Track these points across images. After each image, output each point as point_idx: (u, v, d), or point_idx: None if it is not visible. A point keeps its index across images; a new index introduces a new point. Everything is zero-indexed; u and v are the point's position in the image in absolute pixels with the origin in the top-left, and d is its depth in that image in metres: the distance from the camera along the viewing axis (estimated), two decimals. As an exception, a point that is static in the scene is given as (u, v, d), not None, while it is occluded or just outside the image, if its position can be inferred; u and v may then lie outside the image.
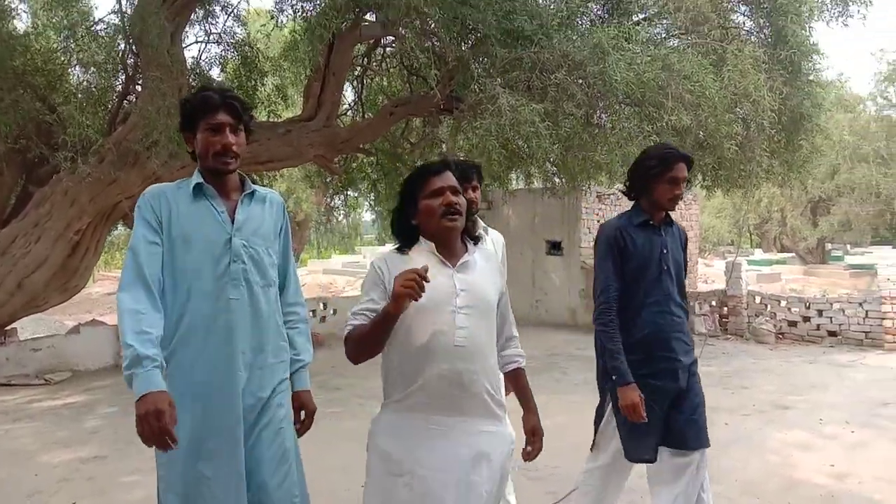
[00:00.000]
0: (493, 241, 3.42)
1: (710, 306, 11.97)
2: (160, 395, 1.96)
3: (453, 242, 2.21)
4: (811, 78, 8.35)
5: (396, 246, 2.25)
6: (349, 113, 11.51)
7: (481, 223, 3.03)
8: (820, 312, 10.98)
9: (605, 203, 13.72)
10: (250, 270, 2.27)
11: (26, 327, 10.73)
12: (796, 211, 28.77)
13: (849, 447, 5.42)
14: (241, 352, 2.23)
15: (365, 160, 11.45)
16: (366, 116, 10.76)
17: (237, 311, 2.23)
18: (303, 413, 2.46)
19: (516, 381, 2.39)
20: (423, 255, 2.16)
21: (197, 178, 2.30)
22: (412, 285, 1.85)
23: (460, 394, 2.09)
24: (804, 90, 8.08)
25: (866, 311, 10.49)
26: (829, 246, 30.69)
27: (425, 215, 2.17)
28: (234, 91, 2.41)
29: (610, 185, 11.41)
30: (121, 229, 11.96)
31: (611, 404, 2.99)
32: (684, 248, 3.15)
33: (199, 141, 2.27)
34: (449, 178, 2.18)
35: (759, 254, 30.29)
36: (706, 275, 23.19)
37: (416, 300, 1.89)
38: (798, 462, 5.01)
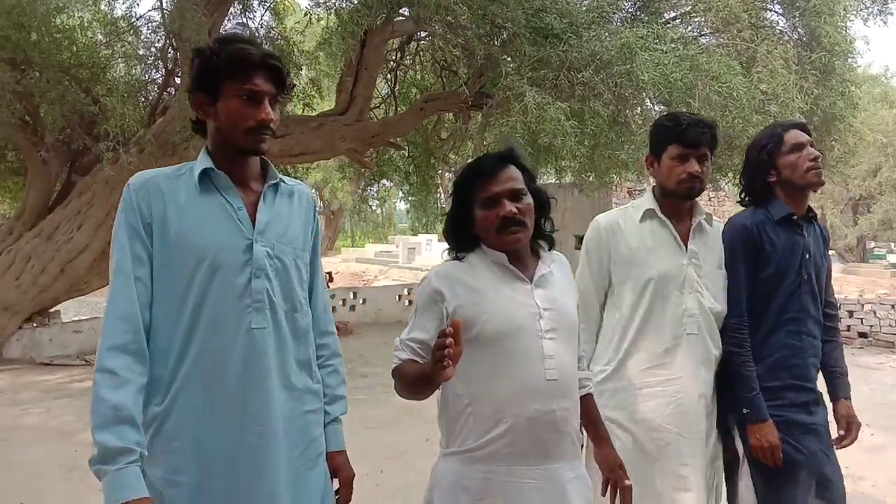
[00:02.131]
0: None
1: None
2: None
3: (523, 253, 1.84)
4: (846, 77, 8.26)
5: (452, 253, 1.87)
6: (382, 106, 11.70)
7: (701, 210, 2.43)
8: (851, 314, 10.87)
9: (636, 198, 13.66)
10: (275, 289, 1.70)
11: (69, 308, 11.16)
12: (836, 209, 28.26)
13: (866, 450, 5.42)
14: (272, 409, 1.67)
15: (396, 153, 11.63)
16: (399, 110, 10.93)
17: (262, 344, 1.66)
18: (336, 481, 1.86)
19: (587, 408, 1.97)
20: (488, 267, 1.81)
21: (205, 161, 1.68)
22: (441, 356, 1.45)
23: (551, 436, 1.74)
24: (837, 90, 8.01)
25: (898, 314, 10.37)
26: (871, 244, 30.05)
27: (482, 229, 1.80)
28: (272, 51, 1.77)
29: (639, 182, 11.40)
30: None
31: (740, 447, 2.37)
32: (827, 249, 2.58)
33: (224, 110, 1.65)
34: (506, 180, 1.77)
35: (798, 251, 29.80)
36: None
37: (450, 367, 1.47)
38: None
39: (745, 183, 2.54)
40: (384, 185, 14.87)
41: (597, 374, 2.36)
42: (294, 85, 1.98)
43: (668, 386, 2.29)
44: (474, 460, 1.73)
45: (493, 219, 1.76)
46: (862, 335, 10.72)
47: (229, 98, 1.64)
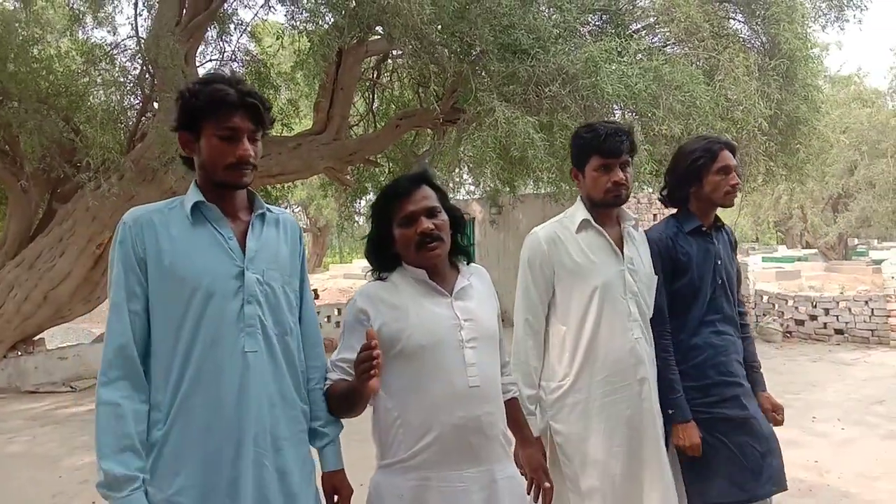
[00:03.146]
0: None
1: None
2: None
3: (442, 268, 1.93)
4: (808, 82, 8.49)
5: (376, 274, 1.96)
6: (362, 124, 11.84)
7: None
8: (827, 311, 11.07)
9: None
10: (266, 314, 1.78)
11: (56, 335, 11.18)
12: (817, 207, 28.56)
13: (836, 444, 5.60)
14: (269, 430, 1.76)
15: (377, 170, 11.76)
16: (378, 127, 11.07)
17: (256, 368, 1.74)
18: (336, 497, 1.94)
19: (512, 411, 2.08)
20: (410, 284, 1.90)
21: (195, 194, 1.78)
22: (366, 368, 1.61)
23: (479, 441, 1.83)
24: (801, 94, 8.23)
25: (872, 310, 10.58)
26: (854, 241, 30.40)
27: (401, 247, 1.89)
28: (251, 86, 1.84)
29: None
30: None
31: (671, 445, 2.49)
32: (735, 253, 2.77)
33: (206, 148, 1.75)
34: (421, 199, 1.88)
35: (782, 251, 30.15)
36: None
37: (374, 377, 1.62)
38: (783, 458, 5.19)
39: (670, 185, 2.71)
40: (369, 200, 14.99)
41: (554, 391, 2.40)
42: (274, 119, 2.12)
43: (622, 393, 2.34)
44: (407, 469, 1.81)
45: (411, 236, 1.85)
46: (838, 332, 10.92)
47: (209, 137, 1.74)
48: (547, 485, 2.06)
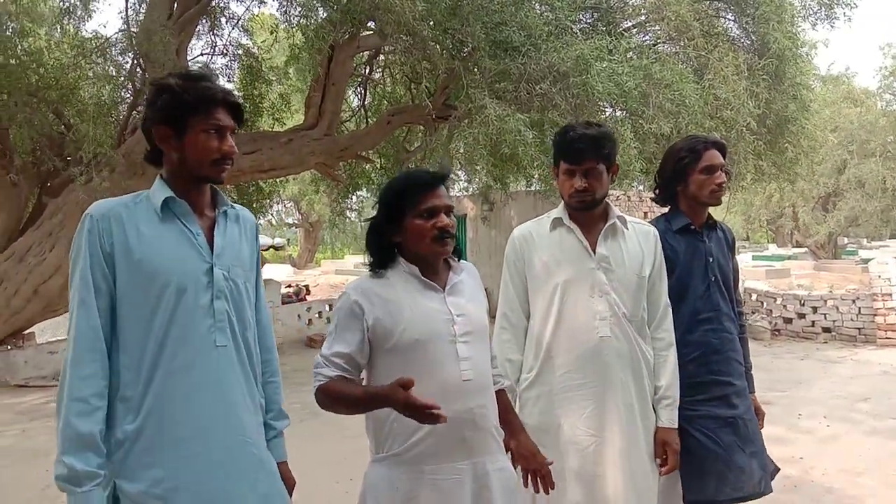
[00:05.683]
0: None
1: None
2: None
3: (436, 264, 1.99)
4: (798, 81, 8.55)
5: (371, 268, 1.98)
6: (353, 119, 11.85)
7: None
8: (815, 309, 11.17)
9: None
10: (231, 309, 1.82)
11: (46, 330, 11.15)
12: (807, 206, 28.71)
13: (821, 440, 5.66)
14: (241, 419, 1.81)
15: (369, 166, 11.78)
16: (369, 123, 11.08)
17: (227, 360, 1.79)
18: None
19: (501, 402, 2.12)
20: (404, 279, 1.94)
21: (164, 189, 1.78)
22: (433, 417, 1.65)
23: (471, 433, 1.88)
24: (789, 94, 8.29)
25: (859, 308, 10.68)
26: (844, 240, 30.59)
27: (413, 237, 1.91)
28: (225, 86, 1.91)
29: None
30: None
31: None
32: (732, 252, 2.76)
33: (191, 143, 1.76)
34: (443, 195, 1.94)
35: (772, 249, 30.32)
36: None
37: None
38: (769, 455, 5.25)
39: (660, 184, 2.75)
40: (361, 195, 14.99)
41: (522, 383, 2.43)
42: (247, 120, 2.10)
43: (585, 389, 2.32)
44: (402, 462, 1.85)
45: (430, 228, 1.88)
46: (826, 330, 11.01)
47: (196, 133, 1.76)
48: (547, 466, 2.10)
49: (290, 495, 1.99)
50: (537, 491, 2.13)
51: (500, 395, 2.15)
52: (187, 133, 1.77)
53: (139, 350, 1.70)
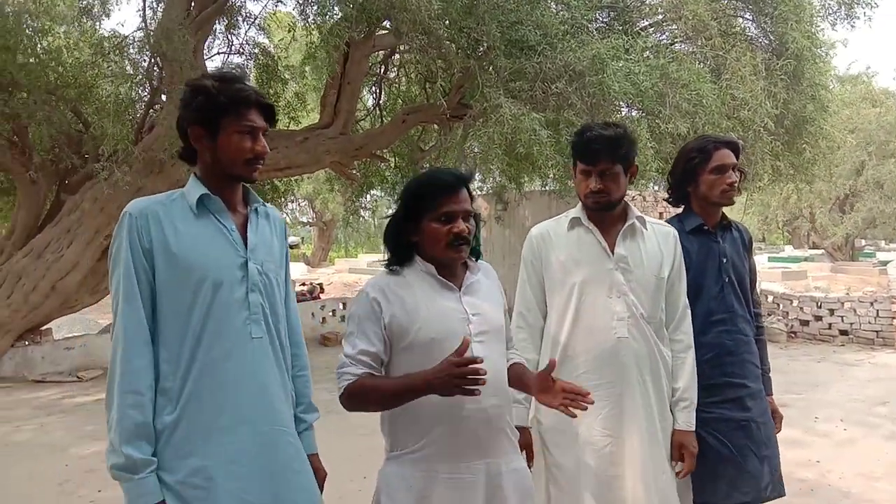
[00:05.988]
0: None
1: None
2: None
3: (453, 264, 1.98)
4: (816, 81, 8.46)
5: (387, 265, 1.99)
6: (368, 118, 11.86)
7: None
8: (832, 312, 11.05)
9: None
10: (265, 303, 1.88)
11: (63, 326, 11.27)
12: (825, 208, 28.45)
13: (838, 444, 5.61)
14: (278, 409, 1.87)
15: (384, 165, 11.80)
16: (384, 122, 11.10)
17: (262, 352, 1.85)
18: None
19: (514, 369, 2.09)
20: (420, 278, 1.94)
21: (199, 187, 1.84)
22: (467, 381, 1.65)
23: (486, 433, 1.88)
24: (808, 94, 8.21)
25: (877, 311, 10.55)
26: (862, 242, 30.29)
27: (429, 239, 1.91)
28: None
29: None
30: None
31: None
32: (748, 252, 2.72)
33: (225, 144, 1.82)
34: (463, 200, 1.92)
35: (789, 250, 30.06)
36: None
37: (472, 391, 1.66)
38: (785, 458, 5.20)
39: (672, 185, 2.73)
40: (375, 195, 15.03)
41: None
42: (278, 120, 2.14)
43: (602, 390, 2.27)
44: (416, 461, 1.86)
45: (445, 233, 1.88)
46: (843, 333, 10.90)
47: (230, 133, 1.82)
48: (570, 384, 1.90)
49: (322, 487, 2.03)
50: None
51: (515, 365, 2.10)
52: (221, 134, 1.83)
53: (177, 343, 1.76)
